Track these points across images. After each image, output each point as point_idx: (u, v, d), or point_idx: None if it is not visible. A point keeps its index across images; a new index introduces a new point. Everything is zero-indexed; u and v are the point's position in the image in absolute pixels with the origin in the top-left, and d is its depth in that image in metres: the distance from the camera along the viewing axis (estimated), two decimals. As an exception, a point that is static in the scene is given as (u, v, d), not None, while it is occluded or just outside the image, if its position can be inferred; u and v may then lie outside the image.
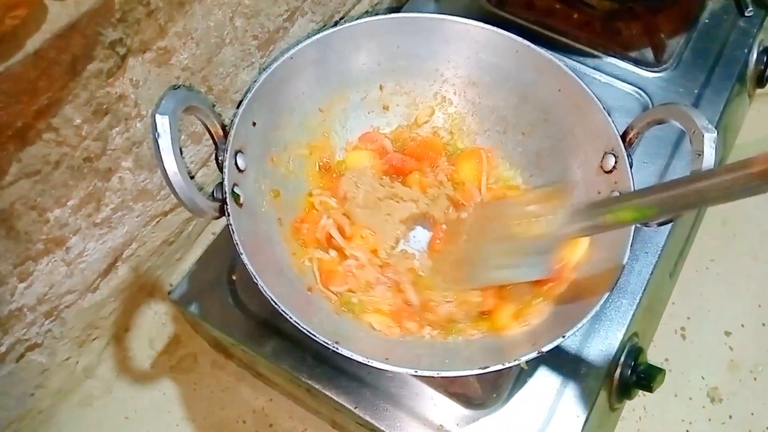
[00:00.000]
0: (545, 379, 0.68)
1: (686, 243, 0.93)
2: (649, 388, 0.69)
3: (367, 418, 0.65)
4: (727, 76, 0.89)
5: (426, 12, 0.78)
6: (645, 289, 0.73)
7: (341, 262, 0.68)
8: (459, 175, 0.76)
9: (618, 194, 0.65)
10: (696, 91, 0.88)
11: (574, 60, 0.89)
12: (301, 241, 0.69)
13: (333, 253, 0.69)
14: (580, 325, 0.57)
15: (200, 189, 0.55)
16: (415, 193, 0.72)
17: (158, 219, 0.79)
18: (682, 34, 0.94)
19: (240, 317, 0.71)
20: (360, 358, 0.54)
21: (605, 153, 0.67)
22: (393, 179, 0.75)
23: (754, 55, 0.93)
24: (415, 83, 0.78)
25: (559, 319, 0.61)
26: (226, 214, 0.58)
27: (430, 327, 0.66)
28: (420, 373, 0.55)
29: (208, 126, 0.60)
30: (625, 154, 0.65)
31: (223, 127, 0.61)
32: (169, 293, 0.73)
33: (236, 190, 0.61)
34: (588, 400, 0.66)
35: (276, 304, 0.55)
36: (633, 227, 0.61)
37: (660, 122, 0.63)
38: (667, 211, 0.54)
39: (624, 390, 0.71)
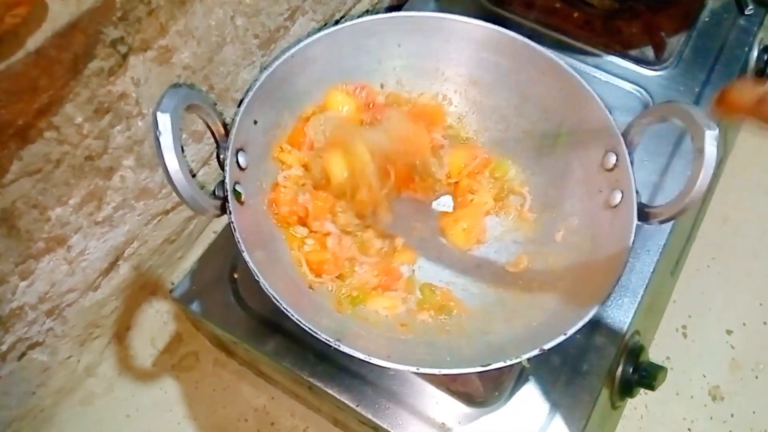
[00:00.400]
0: (547, 377, 0.68)
1: (687, 241, 0.93)
2: (650, 387, 0.69)
3: (369, 416, 0.65)
4: (727, 75, 0.89)
5: (426, 11, 0.78)
6: (646, 287, 0.73)
7: (325, 247, 0.68)
8: (448, 154, 0.76)
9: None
10: (696, 90, 0.88)
11: (574, 59, 0.89)
12: (284, 221, 0.69)
13: (304, 230, 0.70)
14: (581, 323, 0.57)
15: (201, 187, 0.56)
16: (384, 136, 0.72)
17: (159, 217, 0.79)
18: (683, 32, 0.94)
19: (242, 315, 0.71)
20: (362, 356, 0.54)
21: (606, 151, 0.67)
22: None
23: (755, 54, 0.93)
24: (416, 82, 0.78)
25: (560, 317, 0.61)
26: (228, 213, 0.58)
27: (427, 312, 0.67)
28: (422, 370, 0.55)
29: (210, 124, 0.60)
30: (626, 152, 0.65)
31: (225, 125, 0.61)
32: (171, 291, 0.73)
33: (238, 188, 0.61)
34: (590, 398, 0.67)
35: (278, 301, 0.55)
36: (634, 226, 0.62)
37: (661, 120, 0.63)
38: None
39: (626, 388, 0.71)
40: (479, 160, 0.76)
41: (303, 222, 0.69)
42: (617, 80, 0.88)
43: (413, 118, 0.76)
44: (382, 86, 0.77)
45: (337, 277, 0.68)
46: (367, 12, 1.00)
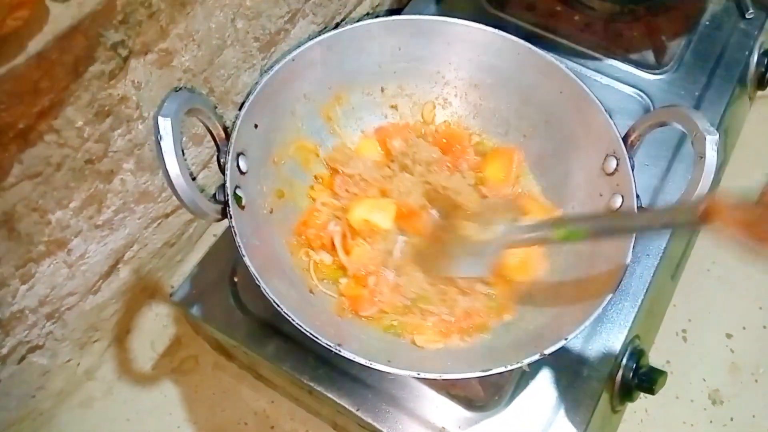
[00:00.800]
0: (547, 381, 0.68)
1: (687, 245, 0.93)
2: (650, 391, 0.69)
3: (369, 420, 0.65)
4: (728, 79, 0.89)
5: (427, 14, 0.79)
6: (647, 291, 0.73)
7: (365, 283, 0.67)
8: (485, 172, 0.75)
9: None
10: (697, 94, 0.88)
11: (575, 62, 0.89)
12: (307, 243, 0.69)
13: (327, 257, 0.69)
14: (582, 327, 0.57)
15: (202, 191, 0.55)
16: (413, 180, 0.72)
17: (159, 221, 0.79)
18: (683, 36, 0.94)
19: (241, 319, 0.71)
20: (362, 361, 0.54)
21: (607, 155, 0.67)
22: (403, 168, 0.74)
23: (755, 58, 0.93)
24: (417, 85, 0.78)
25: (561, 321, 0.60)
26: (229, 217, 0.58)
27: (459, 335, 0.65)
28: (422, 375, 0.55)
29: (210, 128, 0.60)
30: (626, 156, 0.65)
31: (225, 129, 0.61)
32: (171, 295, 0.72)
33: (238, 192, 0.61)
34: (590, 402, 0.66)
35: (278, 306, 0.55)
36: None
37: (662, 125, 0.63)
38: (594, 237, 0.62)
39: (626, 392, 0.70)
40: (516, 159, 0.75)
41: (325, 248, 0.69)
42: (618, 84, 0.88)
43: (441, 147, 0.76)
44: (382, 90, 0.77)
45: (379, 311, 0.66)
46: (368, 15, 1.00)
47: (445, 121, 0.79)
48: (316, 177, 0.74)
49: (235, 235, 0.57)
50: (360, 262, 0.68)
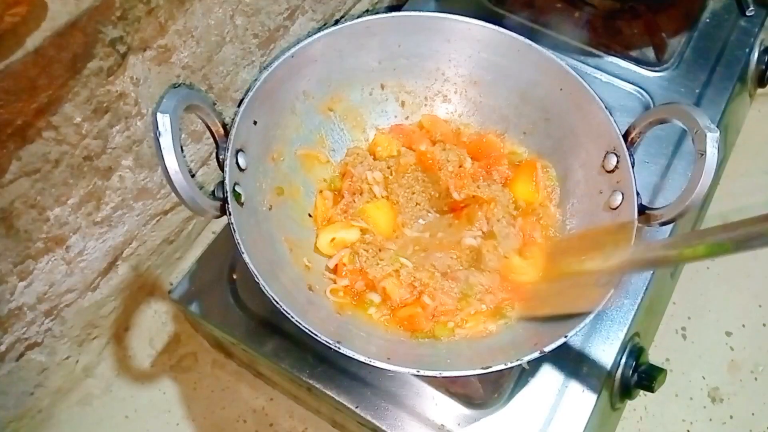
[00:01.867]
0: (547, 379, 0.67)
1: (687, 243, 0.93)
2: (650, 388, 0.69)
3: (368, 417, 0.65)
4: (728, 76, 0.89)
5: (427, 11, 0.78)
6: (646, 289, 0.73)
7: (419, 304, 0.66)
8: (515, 187, 0.74)
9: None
10: (697, 91, 0.88)
11: (575, 59, 0.89)
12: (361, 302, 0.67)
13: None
14: (581, 325, 0.57)
15: (201, 188, 0.55)
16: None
17: (158, 218, 0.79)
18: (684, 33, 0.93)
19: (240, 316, 0.70)
20: (362, 358, 0.54)
21: (607, 152, 0.67)
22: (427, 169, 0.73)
23: (755, 55, 0.93)
24: (417, 82, 0.78)
25: (560, 319, 0.60)
26: (228, 214, 0.58)
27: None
28: (422, 372, 0.54)
29: (209, 125, 0.60)
30: (626, 153, 0.65)
31: (224, 125, 0.61)
32: (170, 292, 0.72)
33: (237, 189, 0.61)
34: (589, 400, 0.66)
35: (277, 303, 0.55)
36: (635, 227, 0.61)
37: (662, 122, 0.63)
38: (741, 248, 0.50)
39: (625, 390, 0.70)
40: (538, 175, 0.74)
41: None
42: (618, 81, 0.88)
43: (472, 154, 0.75)
44: (382, 86, 0.77)
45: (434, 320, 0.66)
46: (367, 12, 1.00)
47: (477, 131, 0.78)
48: (321, 192, 0.73)
49: (234, 231, 0.57)
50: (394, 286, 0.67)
